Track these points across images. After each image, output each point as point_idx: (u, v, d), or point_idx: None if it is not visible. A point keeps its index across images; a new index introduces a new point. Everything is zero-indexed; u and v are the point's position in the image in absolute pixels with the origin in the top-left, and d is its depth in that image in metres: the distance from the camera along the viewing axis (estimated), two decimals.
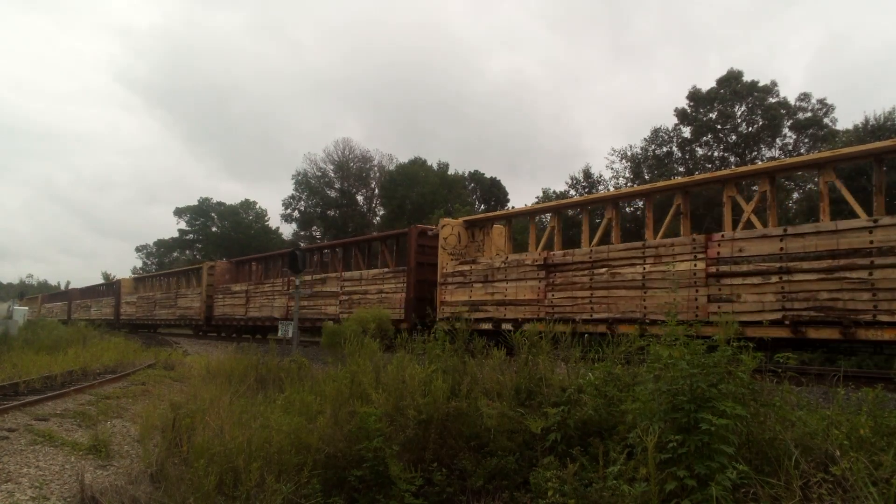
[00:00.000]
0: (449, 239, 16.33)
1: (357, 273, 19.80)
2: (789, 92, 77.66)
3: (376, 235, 24.59)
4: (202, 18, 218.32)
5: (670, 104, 43.60)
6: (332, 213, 58.80)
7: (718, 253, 10.00)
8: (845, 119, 55.74)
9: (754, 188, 14.67)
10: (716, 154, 36.30)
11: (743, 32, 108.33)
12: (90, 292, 51.33)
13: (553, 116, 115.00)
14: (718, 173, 12.80)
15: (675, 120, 36.96)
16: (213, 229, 70.40)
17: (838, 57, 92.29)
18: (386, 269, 18.37)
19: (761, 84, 34.74)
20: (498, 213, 18.85)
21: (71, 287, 58.20)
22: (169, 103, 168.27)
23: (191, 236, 72.09)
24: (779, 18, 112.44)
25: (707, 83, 37.59)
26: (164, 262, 72.96)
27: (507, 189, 56.84)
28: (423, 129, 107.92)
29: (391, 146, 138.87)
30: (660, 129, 37.67)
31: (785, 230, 9.37)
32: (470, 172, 57.46)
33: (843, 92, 72.30)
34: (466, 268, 15.20)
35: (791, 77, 78.21)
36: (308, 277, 21.21)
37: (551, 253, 13.07)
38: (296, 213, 60.74)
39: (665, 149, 37.53)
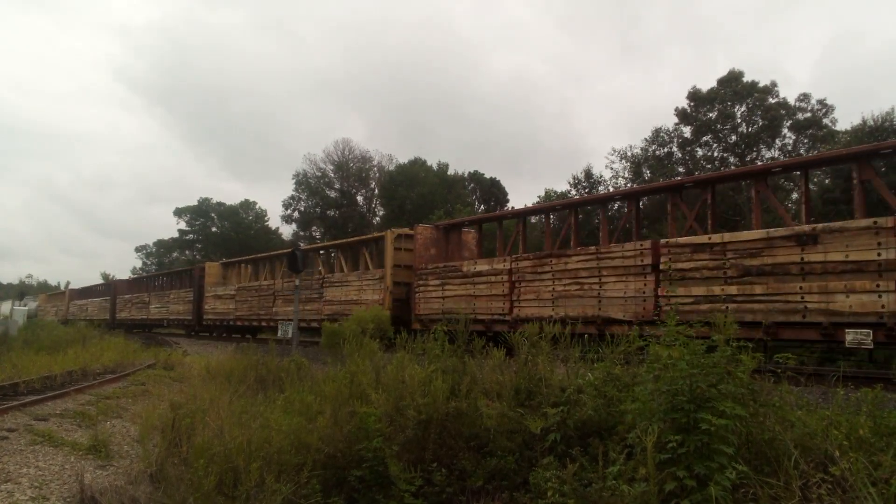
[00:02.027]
0: None
1: None
2: (798, 88, 77.79)
3: None
4: (202, 16, 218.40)
5: (676, 103, 43.91)
6: (332, 213, 58.84)
7: None
8: (852, 117, 55.70)
9: None
10: (716, 154, 36.32)
11: (751, 29, 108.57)
12: (146, 284, 41.11)
13: (557, 116, 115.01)
14: None
15: (675, 120, 37.01)
16: (213, 229, 70.41)
17: (847, 54, 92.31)
18: None
19: (761, 84, 34.79)
20: None
21: (110, 279, 50.17)
22: (169, 102, 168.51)
23: (191, 236, 72.12)
24: (787, 15, 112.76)
25: (713, 82, 37.44)
26: (164, 263, 72.92)
27: (508, 189, 56.87)
28: (425, 129, 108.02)
29: (393, 145, 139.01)
30: (661, 128, 37.71)
31: None
32: (470, 173, 57.51)
33: (852, 89, 72.20)
34: None
35: (798, 75, 78.11)
36: (701, 239, 11.39)
37: None
38: (296, 214, 60.81)
39: (666, 149, 37.53)
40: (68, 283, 72.64)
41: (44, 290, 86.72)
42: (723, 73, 36.07)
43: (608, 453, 4.84)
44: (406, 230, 20.00)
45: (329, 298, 21.75)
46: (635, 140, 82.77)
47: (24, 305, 57.13)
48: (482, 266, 15.93)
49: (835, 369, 7.63)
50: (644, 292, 12.08)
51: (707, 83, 41.74)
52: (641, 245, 12.44)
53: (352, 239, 23.53)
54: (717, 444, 4.12)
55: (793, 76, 76.28)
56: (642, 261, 12.26)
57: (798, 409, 4.98)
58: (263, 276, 27.35)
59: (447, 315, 15.02)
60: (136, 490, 5.91)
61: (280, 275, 25.77)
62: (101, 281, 56.04)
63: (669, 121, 37.22)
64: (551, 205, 18.57)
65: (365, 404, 6.48)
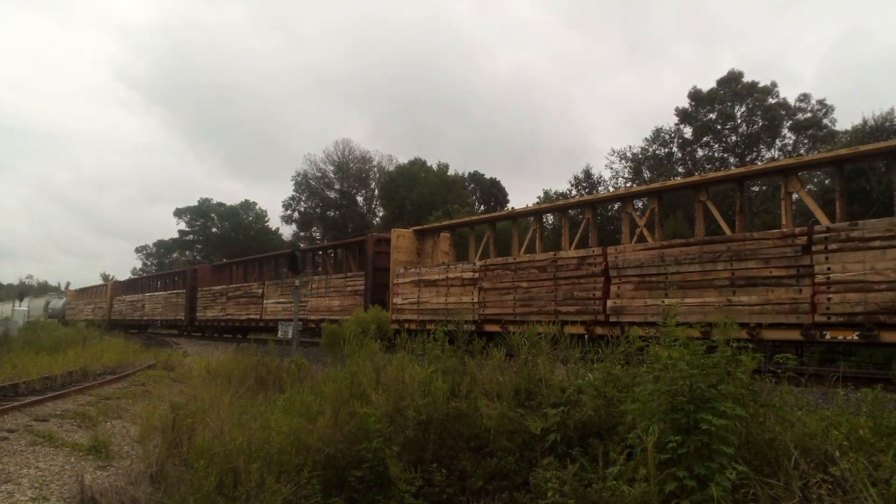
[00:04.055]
0: None
1: None
2: (804, 86, 77.57)
3: None
4: (202, 16, 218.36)
5: (681, 102, 43.64)
6: (332, 213, 58.86)
7: None
8: (859, 116, 55.52)
9: None
10: (716, 155, 36.31)
11: (758, 27, 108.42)
12: (242, 270, 27.68)
13: (560, 115, 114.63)
14: None
15: (676, 119, 36.98)
16: (213, 230, 70.43)
17: (855, 52, 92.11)
18: None
19: (761, 84, 34.82)
20: None
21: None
22: (169, 102, 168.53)
23: (191, 237, 72.14)
24: (795, 13, 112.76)
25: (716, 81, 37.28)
26: (164, 263, 72.88)
27: (509, 189, 56.96)
28: (427, 128, 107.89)
29: (395, 144, 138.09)
30: (661, 128, 37.69)
31: None
32: (470, 173, 57.52)
33: (860, 87, 72.02)
34: None
35: (805, 72, 77.93)
36: None
37: None
38: (295, 215, 60.83)
39: (666, 149, 37.51)
40: (68, 284, 72.25)
41: (44, 290, 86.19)
42: (726, 72, 35.89)
43: (608, 454, 4.84)
44: None
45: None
46: (640, 139, 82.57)
47: (48, 302, 55.80)
48: None
49: (835, 370, 7.63)
50: None
51: (712, 82, 41.61)
52: None
53: (741, 169, 12.27)
54: (718, 445, 4.12)
55: (800, 74, 76.20)
56: None
57: (798, 409, 4.98)
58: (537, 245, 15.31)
59: None
60: (136, 490, 5.91)
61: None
62: (100, 282, 54.70)
63: (674, 120, 37.17)
64: None
65: (365, 405, 6.49)
